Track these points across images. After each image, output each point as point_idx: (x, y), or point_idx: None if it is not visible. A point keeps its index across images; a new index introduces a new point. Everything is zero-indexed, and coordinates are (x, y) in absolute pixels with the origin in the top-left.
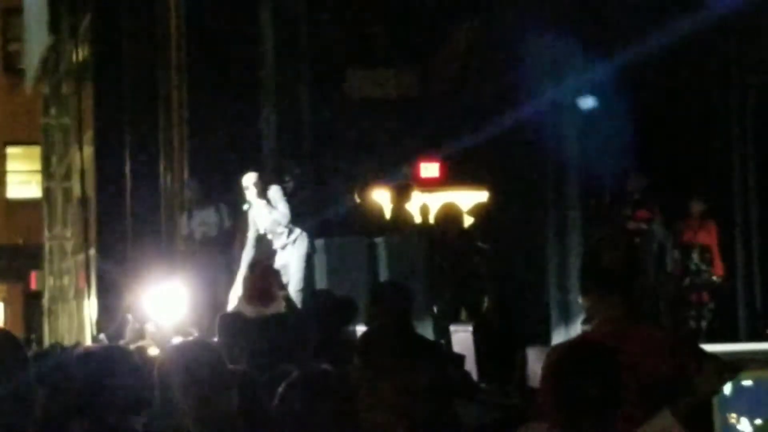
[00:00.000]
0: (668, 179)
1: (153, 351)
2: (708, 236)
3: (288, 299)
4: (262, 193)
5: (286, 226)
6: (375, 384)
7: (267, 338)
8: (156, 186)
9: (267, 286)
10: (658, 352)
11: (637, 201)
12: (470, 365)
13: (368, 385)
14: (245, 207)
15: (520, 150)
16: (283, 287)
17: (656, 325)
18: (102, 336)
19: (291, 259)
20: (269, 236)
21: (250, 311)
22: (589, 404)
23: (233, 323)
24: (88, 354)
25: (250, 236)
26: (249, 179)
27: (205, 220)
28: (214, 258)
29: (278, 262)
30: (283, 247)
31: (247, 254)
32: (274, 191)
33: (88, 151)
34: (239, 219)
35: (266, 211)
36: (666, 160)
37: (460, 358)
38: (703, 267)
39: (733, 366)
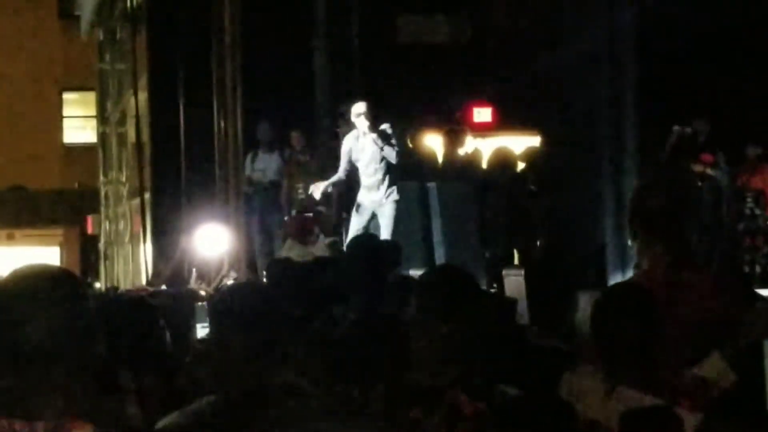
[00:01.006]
0: (730, 124)
1: (203, 293)
2: (763, 181)
3: (333, 243)
4: (372, 125)
5: (393, 165)
6: (428, 328)
7: (316, 282)
8: (210, 131)
9: (308, 225)
10: (706, 295)
11: (701, 144)
12: (522, 310)
13: (421, 328)
14: (342, 133)
15: (573, 92)
16: (323, 231)
17: (704, 269)
18: (157, 281)
19: (386, 204)
20: (365, 170)
21: (295, 253)
22: (626, 346)
23: (282, 268)
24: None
25: (343, 167)
26: (361, 107)
27: (268, 165)
28: (270, 203)
29: (364, 200)
30: (374, 187)
31: (337, 185)
32: (387, 127)
33: (143, 96)
34: (289, 165)
35: (372, 143)
36: (727, 105)
37: (512, 303)
38: (758, 212)
39: None
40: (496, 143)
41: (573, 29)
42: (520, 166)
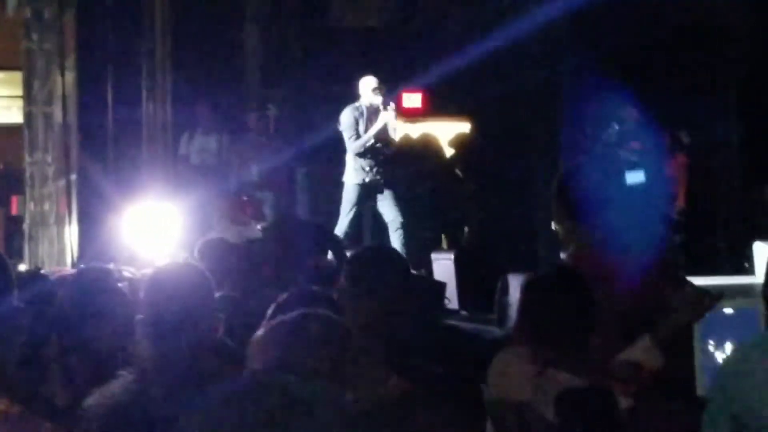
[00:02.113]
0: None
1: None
2: (677, 169)
3: (267, 228)
4: (386, 99)
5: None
6: (359, 304)
7: (251, 263)
8: (138, 112)
9: (244, 207)
10: (635, 280)
11: (628, 132)
12: (451, 293)
13: (352, 305)
14: (355, 108)
15: (506, 78)
16: (262, 215)
17: (633, 252)
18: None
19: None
20: (377, 146)
21: (230, 235)
22: (556, 328)
23: (216, 248)
24: (69, 276)
25: (355, 137)
26: (375, 81)
27: (205, 146)
28: (210, 185)
29: (365, 179)
30: (376, 165)
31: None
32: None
33: (70, 76)
34: (241, 148)
35: (387, 119)
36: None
37: (440, 286)
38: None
39: (713, 293)
40: (425, 129)
41: (507, 14)
42: (449, 151)
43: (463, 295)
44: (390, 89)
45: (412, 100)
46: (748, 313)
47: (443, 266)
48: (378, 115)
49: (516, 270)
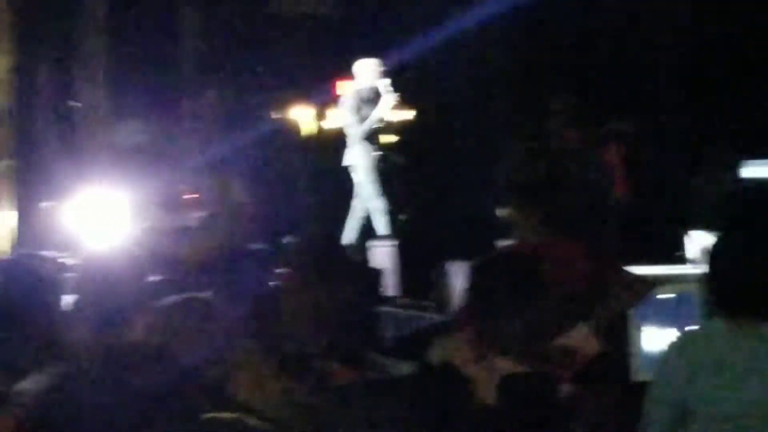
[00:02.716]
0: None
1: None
2: (616, 157)
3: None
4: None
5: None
6: (298, 295)
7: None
8: (74, 98)
9: (179, 195)
10: (577, 266)
11: (567, 120)
12: (389, 279)
13: (291, 295)
14: (356, 91)
15: (444, 69)
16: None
17: (576, 239)
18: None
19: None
20: (366, 129)
21: (165, 222)
22: (502, 313)
23: (151, 238)
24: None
25: (356, 120)
26: (377, 63)
27: (139, 133)
28: (145, 172)
29: (367, 161)
30: (373, 149)
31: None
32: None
33: (5, 60)
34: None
35: (390, 101)
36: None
37: (377, 273)
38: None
39: (650, 281)
40: None
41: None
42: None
43: (401, 282)
44: (328, 77)
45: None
46: (684, 300)
47: (380, 253)
48: (379, 97)
49: (454, 257)
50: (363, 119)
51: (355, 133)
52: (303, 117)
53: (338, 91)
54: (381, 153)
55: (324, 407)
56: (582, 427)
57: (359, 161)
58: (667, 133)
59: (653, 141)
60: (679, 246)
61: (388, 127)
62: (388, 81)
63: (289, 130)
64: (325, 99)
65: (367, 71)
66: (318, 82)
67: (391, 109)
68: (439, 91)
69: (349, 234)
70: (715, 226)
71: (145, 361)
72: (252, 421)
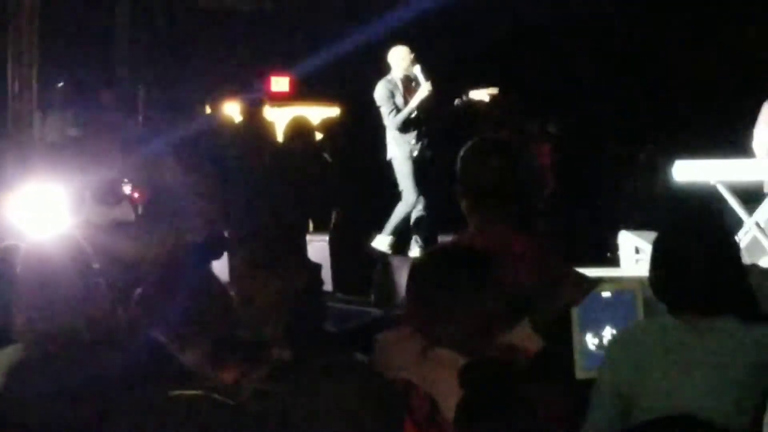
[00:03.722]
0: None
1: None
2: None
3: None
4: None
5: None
6: (251, 282)
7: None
8: (3, 89)
9: (113, 188)
10: (526, 261)
11: (498, 120)
12: (326, 275)
13: (244, 283)
14: (388, 81)
15: (373, 64)
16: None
17: (527, 234)
18: None
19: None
20: (405, 120)
21: (96, 214)
22: (447, 308)
23: (86, 231)
24: None
25: (394, 111)
26: (405, 50)
27: (61, 125)
28: (69, 163)
29: (408, 153)
30: (414, 140)
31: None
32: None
33: None
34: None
35: (427, 89)
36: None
37: (316, 267)
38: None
39: (592, 278)
40: (293, 113)
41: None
42: (318, 136)
43: (337, 277)
44: (258, 73)
45: (280, 83)
46: (625, 297)
47: (316, 248)
48: (415, 85)
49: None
50: (397, 109)
51: (389, 124)
52: (235, 112)
53: (272, 87)
54: (419, 144)
55: (279, 394)
56: (527, 423)
57: (397, 153)
58: (598, 133)
59: (584, 142)
60: (611, 247)
61: (427, 117)
62: (419, 68)
63: (222, 125)
64: (259, 94)
65: (399, 59)
66: (252, 77)
67: (427, 97)
68: (369, 86)
69: (391, 225)
70: (650, 226)
71: (91, 349)
72: (218, 397)
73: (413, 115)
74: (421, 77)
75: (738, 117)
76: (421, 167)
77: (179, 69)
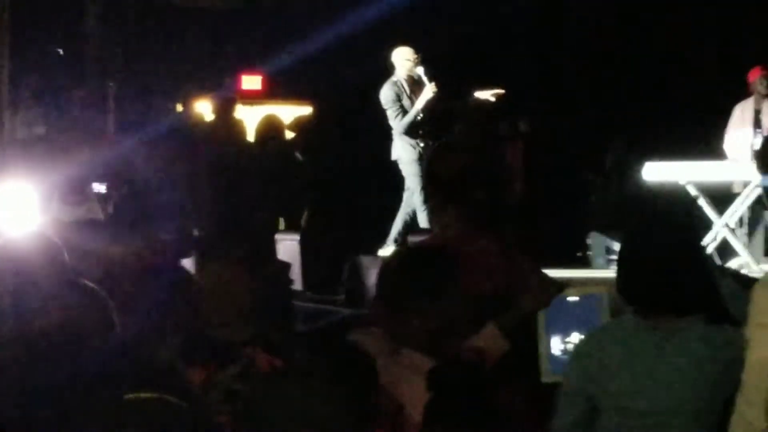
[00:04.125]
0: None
1: None
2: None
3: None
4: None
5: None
6: (222, 278)
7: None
8: None
9: (77, 187)
10: (491, 264)
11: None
12: (296, 274)
13: (215, 285)
14: (394, 83)
15: (344, 64)
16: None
17: (493, 236)
18: None
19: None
20: (410, 121)
21: (64, 213)
22: (415, 307)
23: (56, 230)
24: None
25: (401, 113)
26: (409, 51)
27: (31, 121)
28: (38, 161)
29: (415, 154)
30: (418, 142)
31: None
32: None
33: None
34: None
35: (432, 91)
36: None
37: (285, 266)
38: None
39: (559, 282)
40: (265, 111)
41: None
42: (289, 134)
43: (308, 276)
44: (230, 71)
45: (252, 82)
46: (592, 301)
47: (287, 247)
48: (420, 86)
49: (363, 251)
50: (404, 110)
51: (396, 127)
52: (207, 110)
53: (244, 85)
54: (424, 145)
55: (249, 394)
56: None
57: (402, 155)
58: (569, 133)
59: (555, 141)
60: (581, 247)
61: (431, 117)
62: (422, 69)
63: (194, 123)
64: (231, 92)
65: (403, 59)
66: (223, 76)
67: (432, 98)
68: (341, 85)
69: (397, 227)
70: (619, 227)
71: (60, 350)
72: (173, 399)
73: (419, 117)
74: (424, 78)
75: (710, 119)
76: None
77: (151, 66)
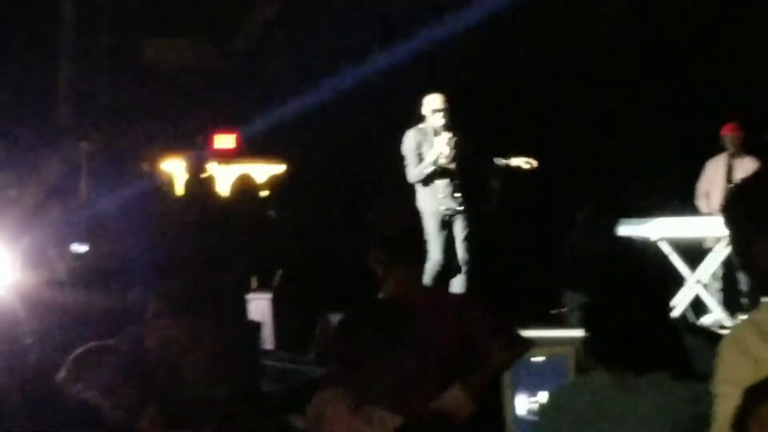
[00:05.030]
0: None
1: None
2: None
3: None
4: (449, 123)
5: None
6: (189, 345)
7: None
8: None
9: (52, 246)
10: (452, 321)
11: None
12: (267, 334)
13: (180, 346)
14: (419, 130)
15: (319, 124)
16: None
17: (446, 293)
18: None
19: (461, 215)
20: (443, 171)
21: (30, 275)
22: (371, 366)
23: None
24: None
25: (415, 163)
26: (439, 101)
27: (5, 183)
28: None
29: (434, 208)
30: (445, 194)
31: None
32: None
33: None
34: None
35: (444, 144)
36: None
37: (255, 326)
38: None
39: (525, 341)
40: (239, 170)
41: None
42: (263, 193)
43: (279, 335)
44: (204, 130)
45: (226, 141)
46: (558, 361)
47: (259, 306)
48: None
49: (334, 309)
50: (420, 160)
51: (409, 176)
52: (180, 169)
53: (217, 144)
54: (448, 199)
55: None
56: None
57: (422, 207)
58: (543, 189)
59: (528, 198)
60: (556, 305)
61: (447, 171)
62: (441, 119)
63: (165, 183)
64: (205, 151)
65: (429, 108)
66: (196, 135)
67: (447, 150)
68: (314, 144)
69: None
70: (590, 284)
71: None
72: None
73: (433, 169)
74: (440, 128)
75: (683, 174)
76: (446, 223)
77: (124, 126)
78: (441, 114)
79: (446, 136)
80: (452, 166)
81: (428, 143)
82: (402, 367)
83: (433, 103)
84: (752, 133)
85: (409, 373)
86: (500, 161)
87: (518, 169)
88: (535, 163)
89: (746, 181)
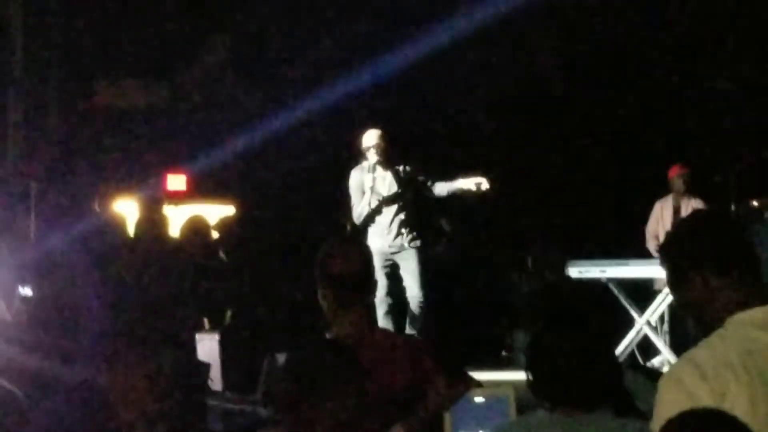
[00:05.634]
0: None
1: None
2: None
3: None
4: (387, 159)
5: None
6: (128, 383)
7: None
8: None
9: None
10: (396, 360)
11: None
12: (215, 374)
13: (121, 383)
14: (361, 168)
15: (270, 164)
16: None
17: (395, 332)
18: None
19: (409, 251)
20: (385, 210)
21: None
22: (320, 405)
23: None
24: None
25: (358, 201)
26: (373, 138)
27: None
28: None
29: (387, 247)
30: (388, 232)
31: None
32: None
33: None
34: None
35: (383, 180)
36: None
37: (205, 366)
38: None
39: (466, 380)
40: (190, 211)
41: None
42: (214, 234)
43: (227, 376)
44: (154, 170)
45: (177, 182)
46: (499, 402)
47: (207, 346)
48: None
49: (284, 349)
50: (368, 199)
51: (353, 215)
52: (132, 209)
53: (168, 185)
54: (392, 236)
55: None
56: None
57: (370, 244)
58: (491, 231)
59: (478, 240)
60: (506, 347)
61: (398, 206)
62: (374, 156)
63: (113, 223)
64: (156, 191)
65: (364, 145)
66: (147, 175)
67: (395, 186)
68: (265, 185)
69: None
70: (536, 324)
71: None
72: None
73: (374, 207)
74: (375, 165)
75: (632, 216)
76: (392, 262)
77: (74, 165)
78: (374, 151)
79: (389, 172)
80: (398, 201)
81: (369, 180)
82: (344, 408)
83: (366, 140)
84: (698, 175)
85: (351, 415)
86: (451, 186)
87: (469, 192)
88: (485, 184)
89: (682, 222)
